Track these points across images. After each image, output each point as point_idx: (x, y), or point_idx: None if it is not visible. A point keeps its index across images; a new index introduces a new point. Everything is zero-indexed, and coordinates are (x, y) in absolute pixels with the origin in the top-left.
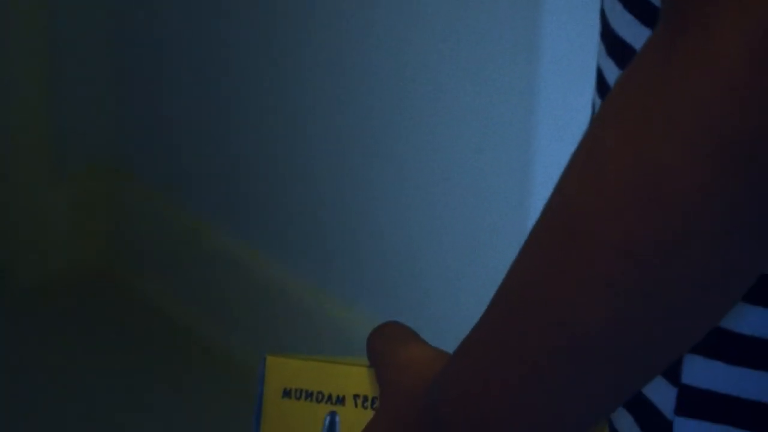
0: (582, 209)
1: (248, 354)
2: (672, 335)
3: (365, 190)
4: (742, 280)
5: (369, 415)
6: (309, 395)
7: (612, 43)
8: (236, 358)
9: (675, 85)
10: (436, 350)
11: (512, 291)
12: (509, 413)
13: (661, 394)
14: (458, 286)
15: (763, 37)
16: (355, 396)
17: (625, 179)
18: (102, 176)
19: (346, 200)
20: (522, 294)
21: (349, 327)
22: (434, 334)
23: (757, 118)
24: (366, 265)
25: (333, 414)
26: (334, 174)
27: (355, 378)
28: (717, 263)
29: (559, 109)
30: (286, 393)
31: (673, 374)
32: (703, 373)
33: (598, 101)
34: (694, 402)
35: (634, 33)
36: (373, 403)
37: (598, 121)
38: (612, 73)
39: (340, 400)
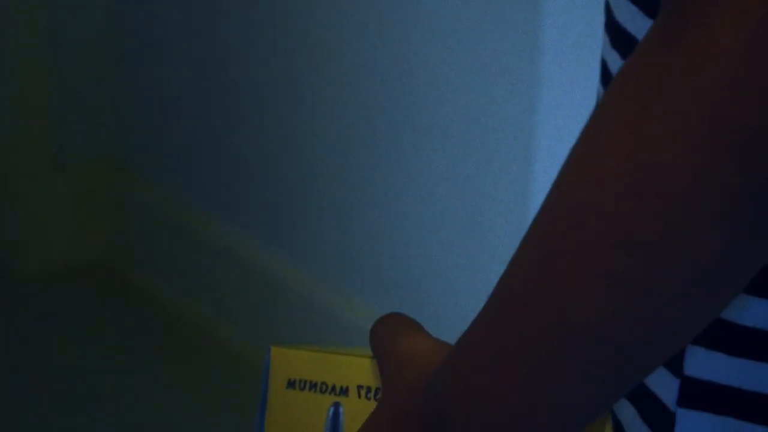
0: (581, 202)
1: (250, 346)
2: (672, 328)
3: (365, 183)
4: (743, 272)
5: (372, 406)
6: (313, 386)
7: (616, 35)
8: (238, 351)
9: (674, 78)
10: (439, 342)
11: (512, 284)
12: (510, 406)
13: (663, 386)
14: (457, 279)
15: (761, 32)
16: (359, 387)
17: (624, 172)
18: (103, 170)
19: (346, 194)
20: (522, 287)
21: (349, 319)
22: (434, 325)
23: (755, 111)
24: (366, 257)
25: (337, 405)
26: (335, 168)
27: (358, 369)
28: (717, 255)
29: (560, 107)
30: (291, 384)
31: (675, 366)
32: (706, 364)
33: (603, 93)
34: (696, 393)
35: (638, 25)
36: (376, 394)
37: (597, 113)
38: (616, 65)
39: (344, 391)
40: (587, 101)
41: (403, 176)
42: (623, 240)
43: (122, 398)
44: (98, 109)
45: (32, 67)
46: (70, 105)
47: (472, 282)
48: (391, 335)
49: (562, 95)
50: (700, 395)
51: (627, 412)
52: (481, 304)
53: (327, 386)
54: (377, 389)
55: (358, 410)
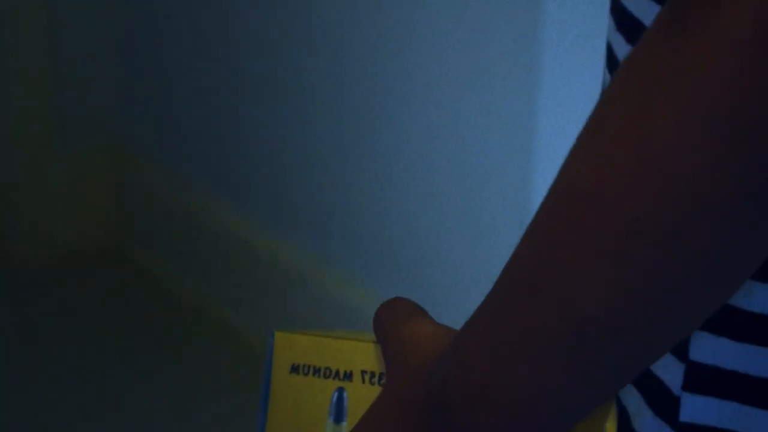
0: (589, 188)
1: (252, 329)
2: (679, 315)
3: (367, 168)
4: (751, 257)
5: (377, 391)
6: (317, 371)
7: (621, 18)
8: (240, 334)
9: (679, 70)
10: (443, 327)
11: (517, 271)
12: (516, 392)
13: (668, 371)
14: (459, 263)
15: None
16: (363, 372)
17: (632, 158)
18: (105, 154)
19: (347, 178)
20: (527, 274)
21: (351, 303)
22: (436, 309)
23: (757, 104)
24: (368, 241)
25: (341, 390)
26: (337, 151)
27: (362, 354)
28: (725, 241)
29: (560, 98)
30: (294, 369)
31: (680, 351)
32: (711, 349)
33: (608, 77)
34: (701, 378)
35: (644, 8)
36: (380, 379)
37: (605, 100)
38: (621, 48)
39: (348, 376)
40: (588, 94)
41: (404, 161)
42: (630, 227)
43: (126, 383)
44: (99, 93)
45: (32, 51)
46: (70, 89)
47: (473, 266)
48: (395, 320)
49: (562, 91)
50: (706, 380)
51: (632, 396)
52: (482, 288)
53: (331, 371)
54: (381, 374)
55: (362, 395)
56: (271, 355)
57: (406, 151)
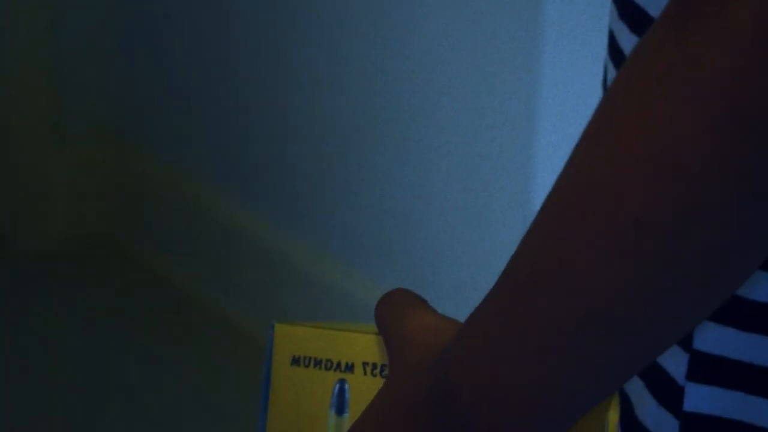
0: (597, 181)
1: (251, 319)
2: (688, 305)
3: (368, 160)
4: (760, 248)
5: (378, 382)
6: (318, 363)
7: (624, 5)
8: (239, 324)
9: (690, 60)
10: (445, 318)
11: (524, 263)
12: (522, 384)
13: (672, 360)
14: (459, 252)
15: None
16: (365, 363)
17: (641, 149)
18: (104, 142)
19: (348, 168)
20: (534, 266)
21: (351, 292)
22: (436, 299)
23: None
24: (368, 231)
25: (342, 381)
26: (338, 143)
27: (364, 345)
28: (734, 232)
29: (561, 90)
30: (295, 361)
31: (685, 340)
32: (716, 339)
33: (611, 64)
34: (706, 368)
35: None
36: (382, 370)
37: (613, 91)
38: (624, 36)
39: (350, 368)
40: (588, 85)
41: (405, 150)
42: (639, 219)
43: (123, 373)
44: (99, 81)
45: (33, 39)
46: (70, 77)
47: (472, 257)
48: (397, 312)
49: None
50: (710, 369)
51: (635, 386)
52: (481, 280)
53: (332, 363)
54: (383, 365)
55: (364, 387)
56: (271, 347)
57: (406, 145)
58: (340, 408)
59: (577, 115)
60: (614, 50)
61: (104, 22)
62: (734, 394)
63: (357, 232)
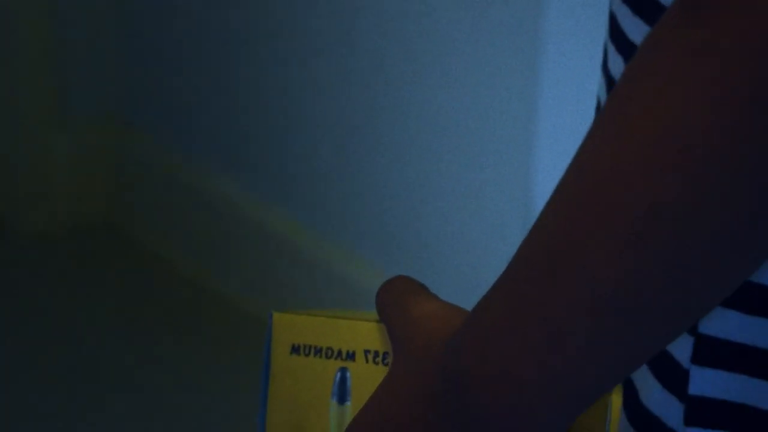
0: (611, 165)
1: (252, 302)
2: (701, 292)
3: (368, 139)
4: None
5: (381, 370)
6: (318, 351)
7: None
8: (240, 307)
9: (705, 39)
10: (447, 305)
11: (536, 249)
12: (534, 372)
13: (677, 344)
14: (460, 234)
15: None
16: (366, 351)
17: (655, 136)
18: (105, 127)
19: (349, 151)
20: (546, 252)
21: (352, 276)
22: (437, 283)
23: None
24: (368, 214)
25: (344, 370)
26: (337, 126)
27: (365, 333)
28: (748, 217)
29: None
30: (295, 349)
31: None
32: (721, 322)
33: (612, 47)
34: (711, 351)
35: None
36: (384, 358)
37: (627, 78)
38: (627, 20)
39: (351, 356)
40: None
41: (406, 133)
42: (654, 203)
43: (124, 356)
44: (101, 65)
45: (34, 24)
46: (72, 62)
47: (475, 238)
48: (399, 300)
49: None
50: (715, 353)
51: (639, 370)
52: (484, 263)
53: (333, 351)
54: (385, 353)
55: (366, 375)
56: (270, 336)
57: (408, 128)
58: (342, 396)
59: (578, 95)
60: (616, 32)
61: (106, 6)
62: (739, 377)
63: (358, 216)
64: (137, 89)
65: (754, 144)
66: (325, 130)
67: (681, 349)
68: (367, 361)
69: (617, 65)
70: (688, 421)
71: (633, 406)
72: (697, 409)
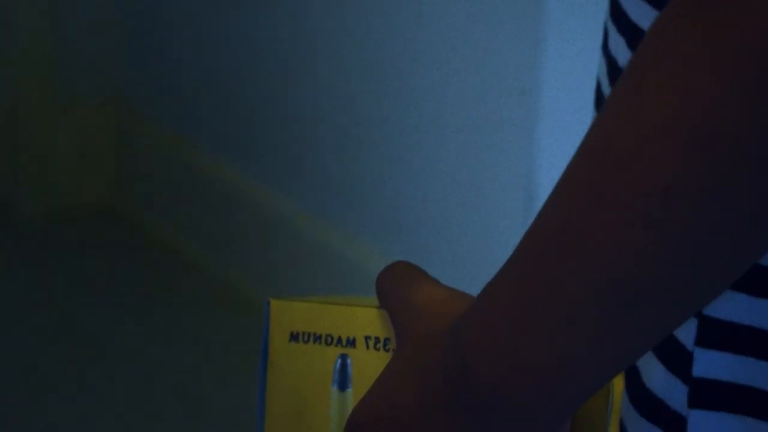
0: (623, 148)
1: (253, 287)
2: (713, 274)
3: (369, 123)
4: None
5: (382, 356)
6: (317, 338)
7: None
8: (241, 292)
9: (717, 21)
10: (452, 290)
11: (545, 232)
12: (543, 357)
13: (681, 326)
14: (460, 218)
15: None
16: (367, 337)
17: (669, 117)
18: (108, 111)
19: (350, 135)
20: (556, 235)
21: (352, 259)
22: (436, 266)
23: None
24: (368, 198)
25: (344, 356)
26: (338, 109)
27: (365, 319)
28: (759, 202)
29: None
30: (294, 337)
31: None
32: (725, 304)
33: (612, 28)
34: (715, 333)
35: None
36: (385, 344)
37: (638, 61)
38: (630, 2)
39: (351, 342)
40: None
41: (409, 118)
42: (666, 188)
43: (125, 340)
44: (102, 49)
45: (36, 6)
46: (73, 46)
47: (477, 224)
48: (401, 285)
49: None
50: (720, 335)
51: None
52: (487, 246)
53: (332, 338)
54: (386, 339)
55: (367, 361)
56: (268, 324)
57: (410, 114)
58: (343, 383)
59: (580, 81)
60: (616, 13)
61: None
62: (744, 359)
63: (361, 203)
64: (139, 73)
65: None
66: (329, 116)
67: (685, 331)
68: (367, 348)
69: (619, 46)
70: (692, 403)
71: (636, 388)
72: (701, 391)
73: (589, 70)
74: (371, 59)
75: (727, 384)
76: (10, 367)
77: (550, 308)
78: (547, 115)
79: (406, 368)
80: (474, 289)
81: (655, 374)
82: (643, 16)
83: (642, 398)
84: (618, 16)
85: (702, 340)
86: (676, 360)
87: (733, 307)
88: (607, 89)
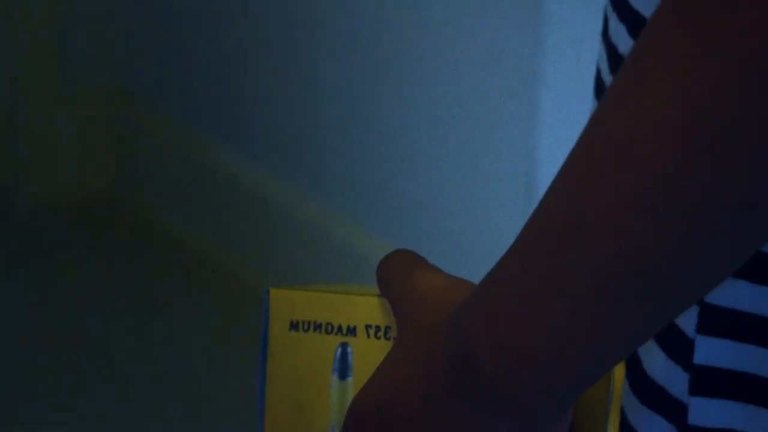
0: (625, 135)
1: (254, 276)
2: (715, 262)
3: (371, 112)
4: None
5: (383, 345)
6: (318, 327)
7: None
8: (243, 281)
9: (720, 10)
10: (453, 278)
11: (549, 216)
12: (544, 343)
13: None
14: (462, 208)
15: None
16: (367, 326)
17: (673, 103)
18: (109, 99)
19: (352, 123)
20: (560, 220)
21: (353, 248)
22: (437, 255)
23: None
24: (371, 187)
25: (344, 345)
26: (341, 98)
27: (365, 307)
28: (760, 191)
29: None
30: (294, 325)
31: None
32: (727, 292)
33: (613, 16)
34: (716, 321)
35: None
36: (386, 332)
37: (640, 48)
38: None
39: (352, 331)
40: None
41: (411, 105)
42: (668, 175)
43: (127, 328)
44: (103, 36)
45: None
46: (75, 35)
47: (478, 213)
48: (402, 274)
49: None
50: (721, 322)
51: None
52: (488, 235)
53: (333, 326)
54: (387, 328)
55: (367, 350)
56: (267, 313)
57: (412, 101)
58: (343, 372)
59: (580, 79)
60: (617, 0)
61: None
62: (745, 346)
63: (363, 191)
64: (140, 61)
65: None
66: (330, 103)
67: (686, 318)
68: (368, 336)
69: (619, 33)
70: (693, 390)
71: (636, 375)
72: (702, 378)
73: (589, 65)
74: (373, 46)
75: (728, 371)
76: (11, 353)
77: (552, 297)
78: (547, 112)
79: (407, 356)
80: (476, 277)
81: (655, 362)
82: (644, 4)
83: (643, 386)
84: (618, 3)
85: (703, 328)
86: (677, 347)
87: (735, 295)
88: (607, 77)
